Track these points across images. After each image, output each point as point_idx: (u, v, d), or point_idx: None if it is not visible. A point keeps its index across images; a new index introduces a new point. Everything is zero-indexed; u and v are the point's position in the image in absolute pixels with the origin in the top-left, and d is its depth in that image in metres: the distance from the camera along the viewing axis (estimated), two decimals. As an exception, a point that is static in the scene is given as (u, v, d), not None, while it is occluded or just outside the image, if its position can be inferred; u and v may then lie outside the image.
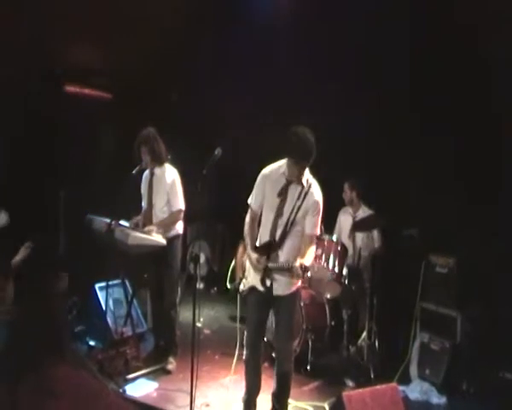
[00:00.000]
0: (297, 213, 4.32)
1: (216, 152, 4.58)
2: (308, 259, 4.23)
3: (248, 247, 4.54)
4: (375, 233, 6.37)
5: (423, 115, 6.28)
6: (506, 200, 5.74)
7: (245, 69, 7.34)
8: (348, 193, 6.65)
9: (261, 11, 6.90)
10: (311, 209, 4.34)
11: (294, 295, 4.53)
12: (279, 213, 4.38)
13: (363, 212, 6.60)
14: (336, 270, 5.87)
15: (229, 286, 4.80)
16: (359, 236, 6.41)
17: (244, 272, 4.65)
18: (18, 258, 4.98)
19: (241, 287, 4.61)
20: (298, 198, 4.33)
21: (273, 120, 7.15)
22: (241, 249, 4.86)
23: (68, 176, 7.23)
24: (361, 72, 6.67)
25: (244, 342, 4.74)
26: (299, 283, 4.54)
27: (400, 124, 6.43)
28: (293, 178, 4.34)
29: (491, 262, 5.76)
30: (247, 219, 4.61)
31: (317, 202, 4.36)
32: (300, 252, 4.30)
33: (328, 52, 6.84)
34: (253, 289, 4.47)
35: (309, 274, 4.14)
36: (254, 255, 4.42)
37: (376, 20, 6.21)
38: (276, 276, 4.36)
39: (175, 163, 5.79)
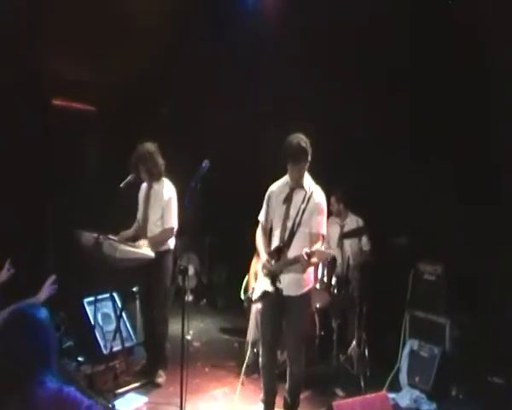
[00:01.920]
0: (302, 215, 4.57)
1: (203, 164, 4.60)
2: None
3: (261, 252, 4.73)
4: (364, 239, 6.39)
5: (413, 124, 6.34)
6: (495, 208, 5.78)
7: (234, 82, 7.37)
8: (335, 206, 6.69)
9: (249, 16, 6.96)
10: (316, 210, 4.59)
11: (306, 297, 4.69)
12: (286, 217, 4.65)
13: (351, 220, 6.63)
14: (325, 280, 5.90)
15: (242, 297, 4.89)
16: (347, 245, 6.44)
17: (257, 280, 4.80)
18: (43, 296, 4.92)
19: (254, 296, 4.73)
20: (302, 202, 4.60)
21: (262, 131, 7.19)
22: (254, 260, 5.03)
23: (55, 190, 7.20)
24: (353, 82, 6.71)
25: (261, 348, 4.86)
26: (311, 285, 4.71)
27: (390, 132, 6.47)
28: (295, 182, 4.64)
29: (479, 269, 5.79)
30: (258, 231, 4.87)
31: (320, 203, 4.64)
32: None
33: (319, 56, 6.90)
34: (265, 294, 4.62)
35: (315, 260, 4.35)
36: (265, 256, 4.64)
37: (375, 22, 6.28)
38: (286, 275, 4.52)
39: (167, 175, 5.79)
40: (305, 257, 4.25)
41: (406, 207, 6.39)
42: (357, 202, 6.72)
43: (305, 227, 4.57)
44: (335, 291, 5.96)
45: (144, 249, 5.35)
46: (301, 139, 4.54)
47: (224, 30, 7.19)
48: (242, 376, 5.35)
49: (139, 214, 5.86)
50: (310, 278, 4.71)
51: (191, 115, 8.00)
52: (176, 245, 5.96)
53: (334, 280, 5.96)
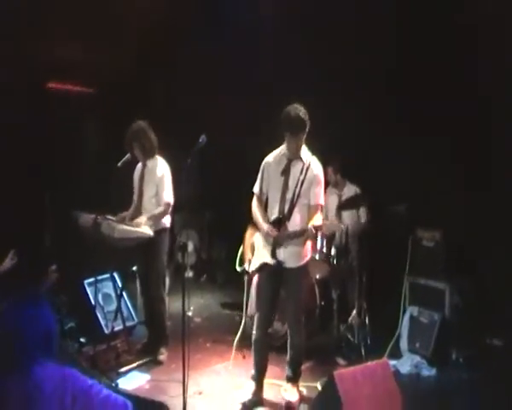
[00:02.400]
0: (301, 186, 4.58)
1: (200, 140, 4.56)
2: (317, 221, 4.43)
3: (259, 221, 4.72)
4: (362, 210, 6.39)
5: (411, 95, 6.31)
6: (495, 172, 5.78)
7: (234, 54, 7.31)
8: (333, 176, 6.67)
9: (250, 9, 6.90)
10: (314, 181, 4.60)
11: (305, 269, 4.74)
12: (285, 189, 4.64)
13: (349, 189, 6.61)
14: (324, 250, 5.90)
15: (238, 269, 4.89)
16: (346, 214, 6.43)
17: (253, 252, 4.77)
18: (2, 269, 4.92)
19: (251, 268, 4.72)
20: (300, 173, 4.60)
21: (260, 105, 7.14)
22: (249, 232, 4.93)
23: (53, 172, 7.18)
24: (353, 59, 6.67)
25: (255, 322, 4.84)
26: (308, 256, 4.73)
27: (387, 102, 6.45)
28: (293, 153, 4.62)
29: (477, 234, 5.82)
30: (254, 202, 4.84)
31: (317, 175, 4.64)
32: (307, 222, 4.51)
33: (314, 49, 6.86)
34: (264, 265, 4.62)
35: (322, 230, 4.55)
36: (266, 225, 4.62)
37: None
38: (286, 247, 4.54)
39: (160, 152, 5.77)
40: (313, 231, 4.31)
41: (404, 175, 6.38)
42: (354, 172, 6.71)
43: (305, 198, 4.58)
44: (335, 261, 5.97)
45: (143, 228, 5.34)
46: (300, 110, 4.50)
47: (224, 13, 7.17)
48: (234, 350, 5.43)
49: (134, 194, 5.84)
50: (308, 249, 4.72)
51: (189, 94, 7.93)
52: (174, 222, 5.97)
53: (333, 250, 5.96)
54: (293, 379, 4.86)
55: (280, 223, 4.59)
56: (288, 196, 4.60)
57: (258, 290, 4.88)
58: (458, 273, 5.79)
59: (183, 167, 4.49)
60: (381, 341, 5.80)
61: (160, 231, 5.58)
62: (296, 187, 4.58)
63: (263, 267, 4.64)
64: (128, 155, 5.61)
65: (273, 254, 4.56)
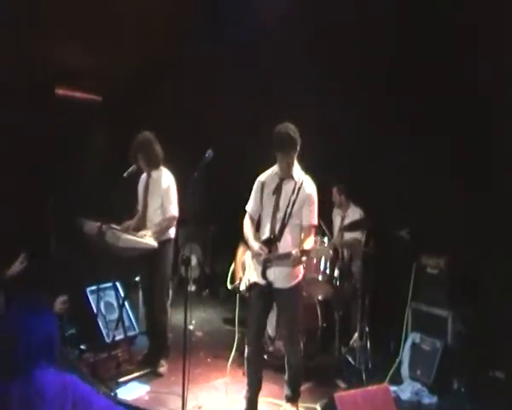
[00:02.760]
0: (293, 206, 4.51)
1: (207, 154, 4.58)
2: (308, 244, 4.39)
3: (250, 240, 4.65)
4: (363, 233, 6.38)
5: (413, 115, 6.32)
6: (496, 200, 5.77)
7: (239, 70, 7.36)
8: (338, 197, 6.70)
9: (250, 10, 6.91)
10: (306, 201, 4.53)
11: (296, 289, 4.63)
12: (276, 209, 4.58)
13: (353, 212, 6.62)
14: (327, 271, 5.89)
15: (229, 287, 4.85)
16: (348, 236, 6.43)
17: (244, 271, 4.75)
18: (12, 272, 4.91)
19: (242, 287, 4.68)
20: (292, 193, 4.53)
21: (265, 120, 7.18)
22: (241, 250, 4.93)
23: (58, 180, 7.20)
24: (351, 73, 6.70)
25: (246, 339, 4.80)
26: (301, 276, 4.65)
27: (390, 124, 6.46)
28: (285, 172, 4.57)
29: (482, 263, 5.80)
30: (246, 220, 4.78)
31: (310, 194, 4.56)
32: (299, 243, 4.46)
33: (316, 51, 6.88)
34: (254, 285, 4.59)
35: (310, 255, 4.45)
36: (256, 245, 4.55)
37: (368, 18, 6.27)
38: (277, 268, 4.47)
39: (167, 165, 5.79)
40: (299, 254, 4.27)
41: (409, 201, 6.39)
42: (359, 195, 6.71)
43: (296, 219, 4.53)
44: (338, 283, 5.95)
45: (147, 239, 5.35)
46: (290, 128, 4.48)
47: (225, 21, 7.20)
48: (229, 366, 5.39)
49: (139, 205, 5.85)
50: (300, 270, 4.64)
51: (195, 106, 7.97)
52: (178, 235, 5.97)
53: (336, 272, 5.95)
54: (292, 399, 4.82)
55: (271, 243, 4.53)
56: (279, 215, 4.55)
57: (249, 308, 4.78)
58: (462, 301, 5.76)
59: (189, 181, 4.51)
60: (382, 366, 5.78)
61: (164, 242, 5.59)
62: (288, 207, 4.52)
63: (253, 286, 4.61)
64: (134, 166, 5.64)
65: (263, 275, 4.51)
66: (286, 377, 4.83)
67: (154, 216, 5.67)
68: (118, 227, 5.57)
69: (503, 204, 5.68)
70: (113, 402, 2.45)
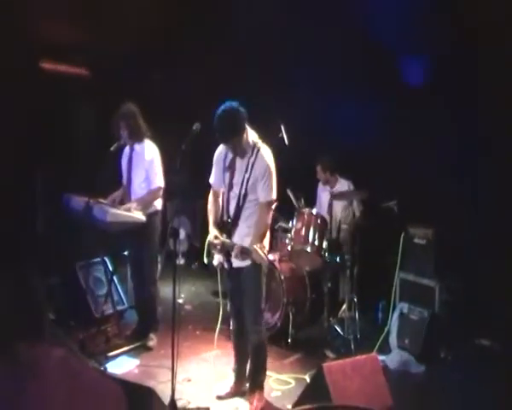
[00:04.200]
0: (247, 185, 4.33)
1: (194, 127, 4.53)
2: (260, 234, 4.25)
3: (210, 225, 4.59)
4: (355, 203, 6.41)
5: (403, 86, 6.32)
6: (485, 170, 5.80)
7: (227, 44, 7.29)
8: (322, 175, 6.71)
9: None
10: (261, 176, 4.29)
11: (256, 267, 4.33)
12: (230, 187, 4.45)
13: (341, 185, 6.66)
14: (316, 243, 5.91)
15: (206, 261, 4.78)
16: (338, 209, 6.45)
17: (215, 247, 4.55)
18: None
19: (215, 262, 4.54)
20: (245, 170, 4.34)
21: (252, 91, 7.14)
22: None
23: (45, 155, 7.14)
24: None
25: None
26: (264, 248, 4.35)
27: (378, 96, 6.44)
28: (236, 152, 4.38)
29: (469, 233, 5.83)
30: (210, 196, 4.70)
31: (265, 167, 4.30)
32: (257, 221, 4.29)
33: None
34: (221, 266, 4.48)
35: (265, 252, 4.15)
36: (212, 234, 4.47)
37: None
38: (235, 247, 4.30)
39: (155, 139, 5.74)
40: (240, 252, 4.11)
41: (397, 172, 6.40)
42: (346, 168, 6.72)
43: (252, 196, 4.34)
44: (326, 255, 5.97)
45: (135, 213, 5.33)
46: (228, 114, 4.24)
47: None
48: (216, 338, 5.32)
49: (124, 179, 5.81)
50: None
51: (183, 79, 7.89)
52: (166, 208, 5.95)
53: (325, 244, 5.96)
54: (252, 390, 4.59)
55: (227, 224, 4.45)
56: (233, 194, 4.42)
57: (227, 284, 4.69)
58: (449, 272, 5.80)
59: (177, 154, 4.46)
60: (370, 336, 5.84)
61: (151, 215, 5.57)
62: (242, 186, 4.35)
63: (221, 267, 4.50)
64: (121, 140, 5.57)
65: (226, 259, 4.37)
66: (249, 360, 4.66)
67: (139, 189, 5.63)
68: (105, 202, 5.54)
69: (491, 174, 5.72)
70: (105, 374, 2.44)
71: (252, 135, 4.41)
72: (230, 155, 4.46)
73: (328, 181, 6.73)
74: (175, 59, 7.83)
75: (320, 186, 6.97)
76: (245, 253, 4.10)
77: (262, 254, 4.03)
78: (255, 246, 4.05)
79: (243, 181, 4.34)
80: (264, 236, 4.34)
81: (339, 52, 6.65)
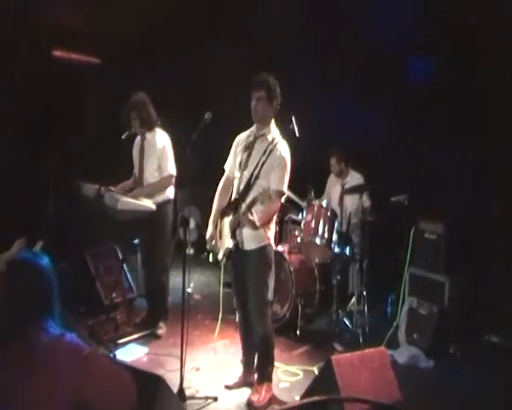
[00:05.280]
0: (261, 167, 4.32)
1: (206, 116, 4.53)
2: (263, 216, 4.24)
3: (213, 209, 4.60)
4: (364, 196, 6.38)
5: (413, 82, 6.29)
6: (495, 165, 5.76)
7: (237, 33, 7.26)
8: (337, 166, 6.69)
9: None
10: (277, 164, 4.30)
11: (263, 253, 4.38)
12: (244, 167, 4.43)
13: (352, 178, 6.64)
14: (326, 235, 5.89)
15: (211, 260, 4.70)
16: (349, 202, 6.43)
17: (221, 239, 4.53)
18: (10, 253, 4.88)
19: (220, 255, 4.50)
20: (263, 153, 4.34)
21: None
22: (218, 221, 4.66)
23: (57, 143, 7.15)
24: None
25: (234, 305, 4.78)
26: (267, 241, 4.42)
27: (388, 91, 6.42)
28: (254, 117, 4.41)
29: (479, 228, 5.81)
30: (221, 182, 4.70)
31: (282, 158, 4.33)
32: (262, 208, 4.23)
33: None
34: (228, 252, 4.40)
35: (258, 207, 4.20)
36: (208, 231, 4.54)
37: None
38: (243, 229, 4.32)
39: (166, 128, 5.74)
40: (244, 209, 4.18)
41: (407, 167, 6.38)
42: (358, 161, 6.70)
43: (263, 180, 4.30)
44: (336, 247, 5.96)
45: (145, 201, 5.34)
46: (268, 75, 4.40)
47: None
48: (218, 327, 5.23)
49: (135, 168, 5.80)
50: (267, 234, 4.41)
51: (194, 68, 7.88)
52: (177, 197, 5.95)
53: (334, 236, 5.95)
54: (260, 381, 4.56)
55: (236, 203, 4.40)
56: (246, 174, 4.39)
57: (231, 277, 4.70)
58: (458, 267, 5.78)
59: (188, 144, 4.46)
60: (379, 330, 5.81)
61: (164, 203, 5.58)
62: (256, 167, 4.33)
63: (228, 254, 4.42)
64: (131, 128, 5.58)
65: (233, 235, 4.32)
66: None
67: (151, 178, 5.63)
68: (116, 189, 5.55)
69: (502, 169, 5.68)
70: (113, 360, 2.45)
71: (275, 129, 4.48)
72: (249, 139, 4.49)
73: (341, 173, 6.71)
74: (186, 47, 7.81)
75: (330, 179, 6.95)
76: (253, 203, 4.17)
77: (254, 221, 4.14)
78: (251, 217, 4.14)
79: (258, 163, 4.34)
80: (266, 223, 4.33)
81: (349, 50, 6.63)
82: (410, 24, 6.13)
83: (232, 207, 4.43)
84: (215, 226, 4.55)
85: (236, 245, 4.34)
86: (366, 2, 6.39)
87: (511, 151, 5.59)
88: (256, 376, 4.63)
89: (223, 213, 4.53)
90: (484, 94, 5.77)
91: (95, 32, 7.46)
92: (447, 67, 6.05)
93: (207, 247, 4.65)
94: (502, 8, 5.41)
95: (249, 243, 4.36)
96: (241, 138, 4.60)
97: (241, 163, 4.47)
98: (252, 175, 4.34)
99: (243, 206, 4.24)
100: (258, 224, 4.20)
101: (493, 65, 5.63)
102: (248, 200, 4.28)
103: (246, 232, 4.33)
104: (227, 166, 4.69)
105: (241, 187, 4.40)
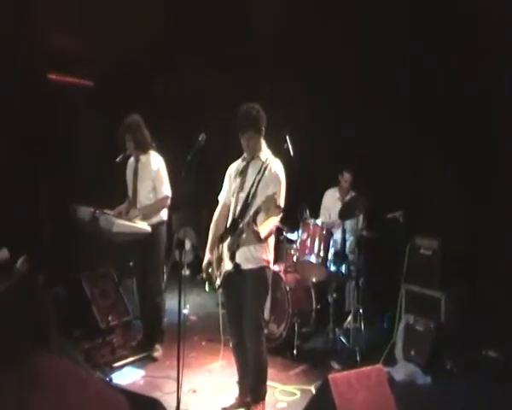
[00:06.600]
0: (257, 186, 4.35)
1: (200, 138, 4.56)
2: (265, 229, 4.21)
3: (208, 240, 4.63)
4: (360, 215, 6.41)
5: (411, 99, 6.34)
6: (489, 181, 5.79)
7: (230, 52, 7.33)
8: (350, 183, 6.71)
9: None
10: (271, 181, 4.34)
11: (261, 273, 4.39)
12: (240, 189, 4.45)
13: (350, 195, 6.67)
14: (321, 254, 5.90)
15: (207, 289, 4.69)
16: (348, 220, 6.45)
17: (219, 266, 4.52)
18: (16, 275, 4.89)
19: (217, 282, 4.50)
20: (258, 173, 4.39)
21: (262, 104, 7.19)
22: (210, 250, 4.68)
23: (51, 165, 7.16)
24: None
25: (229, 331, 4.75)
26: (266, 262, 4.42)
27: (385, 108, 6.47)
28: (250, 154, 4.45)
29: (474, 244, 5.83)
30: (216, 212, 4.71)
31: (276, 174, 4.37)
32: (266, 217, 4.21)
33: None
34: (227, 277, 4.41)
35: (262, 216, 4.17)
36: (206, 258, 4.57)
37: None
38: (241, 249, 4.31)
39: (160, 150, 5.76)
40: (249, 220, 4.13)
41: (403, 183, 6.40)
42: (355, 179, 6.75)
43: (260, 199, 4.26)
44: (332, 266, 5.97)
45: (140, 224, 5.35)
46: (252, 108, 4.36)
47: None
48: (222, 350, 5.32)
49: (129, 191, 5.79)
50: (265, 253, 4.42)
51: (188, 91, 7.93)
52: (172, 219, 5.96)
53: (330, 255, 5.96)
54: (255, 400, 4.54)
55: (234, 225, 4.38)
56: (242, 195, 4.41)
57: (225, 301, 4.68)
58: (455, 282, 5.79)
59: (183, 165, 4.47)
60: (376, 347, 5.81)
61: (157, 225, 5.58)
62: (252, 186, 4.37)
63: (226, 278, 4.41)
64: (126, 151, 5.60)
65: (232, 258, 4.32)
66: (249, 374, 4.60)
67: (146, 200, 5.62)
68: (111, 212, 5.55)
69: (498, 186, 5.71)
70: (109, 385, 2.44)
71: (267, 150, 4.52)
72: (242, 165, 4.53)
73: (348, 190, 6.75)
74: (180, 70, 7.86)
75: (328, 195, 6.97)
76: (257, 213, 4.13)
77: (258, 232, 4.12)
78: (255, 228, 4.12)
79: (254, 182, 4.38)
80: (268, 236, 4.33)
81: (344, 61, 6.69)
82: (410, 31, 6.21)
83: (231, 229, 4.42)
84: (212, 253, 4.56)
85: (235, 266, 4.33)
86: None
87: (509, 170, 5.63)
88: (250, 396, 4.60)
89: (221, 239, 4.53)
90: (476, 107, 5.81)
91: (88, 56, 7.51)
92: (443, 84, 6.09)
93: (204, 275, 4.64)
94: (502, 8, 5.46)
95: (248, 263, 4.36)
96: (234, 167, 4.65)
97: (236, 187, 4.49)
98: (248, 194, 4.37)
99: (245, 219, 4.21)
100: (262, 235, 4.19)
101: (493, 65, 5.66)
102: (251, 212, 4.24)
103: (245, 252, 4.34)
104: (222, 197, 4.71)
105: (238, 208, 4.41)
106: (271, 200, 4.05)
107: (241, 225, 4.29)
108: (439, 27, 5.98)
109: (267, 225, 4.25)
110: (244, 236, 4.23)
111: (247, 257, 4.36)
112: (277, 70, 7.17)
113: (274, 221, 4.31)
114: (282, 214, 4.40)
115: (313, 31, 6.80)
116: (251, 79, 7.20)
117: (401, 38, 6.27)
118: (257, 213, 4.14)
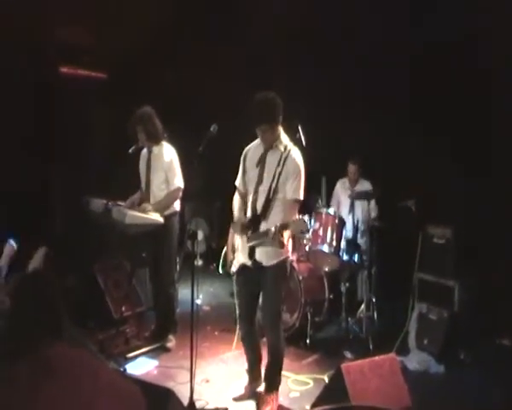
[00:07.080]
0: (278, 179, 4.21)
1: (212, 129, 4.55)
2: (288, 219, 4.09)
3: (235, 220, 4.49)
4: (372, 203, 6.39)
5: (421, 87, 6.30)
6: (500, 169, 5.75)
7: (243, 42, 7.31)
8: (356, 173, 6.71)
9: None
10: (292, 172, 4.20)
11: (281, 267, 4.34)
12: (259, 181, 4.30)
13: (362, 185, 6.67)
14: (334, 243, 5.90)
15: (220, 271, 4.66)
16: (358, 209, 6.43)
17: (234, 252, 4.51)
18: (33, 265, 4.92)
19: (233, 269, 4.49)
20: (278, 164, 4.22)
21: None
22: (231, 232, 4.63)
23: (64, 158, 7.20)
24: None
25: (238, 322, 4.77)
26: (286, 255, 4.36)
27: (397, 96, 6.43)
28: (267, 144, 4.28)
29: (488, 232, 5.79)
30: (235, 197, 4.59)
31: (297, 166, 4.22)
32: (284, 219, 4.10)
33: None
34: (243, 267, 4.37)
35: (287, 233, 4.07)
36: (237, 228, 4.38)
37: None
38: (260, 246, 4.24)
39: (172, 141, 5.77)
40: (274, 230, 3.98)
41: (415, 172, 6.37)
42: (366, 167, 6.72)
43: (282, 194, 4.21)
44: (344, 255, 5.96)
45: (153, 215, 5.36)
46: (265, 98, 4.17)
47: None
48: (235, 340, 5.35)
49: (142, 182, 5.80)
50: (286, 248, 4.31)
51: (200, 81, 7.92)
52: (184, 209, 5.97)
53: (343, 244, 5.95)
54: (270, 390, 4.55)
55: (254, 220, 4.28)
56: (262, 189, 4.27)
57: (237, 291, 4.63)
58: (468, 271, 5.76)
59: (194, 156, 4.48)
60: (388, 336, 5.79)
61: (170, 216, 5.58)
62: (273, 180, 4.21)
63: (241, 269, 4.39)
64: (138, 142, 5.61)
65: (250, 255, 4.26)
66: (266, 360, 4.59)
67: (159, 191, 5.62)
68: (124, 204, 5.57)
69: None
70: (122, 375, 2.45)
71: (285, 137, 4.36)
72: (259, 152, 4.36)
73: (356, 180, 6.73)
74: (191, 59, 7.86)
75: (339, 186, 6.96)
76: (283, 228, 4.00)
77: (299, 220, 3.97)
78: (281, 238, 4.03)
79: (275, 175, 4.22)
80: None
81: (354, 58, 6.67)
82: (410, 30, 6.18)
83: (250, 225, 4.30)
84: (233, 239, 4.50)
85: (255, 262, 4.28)
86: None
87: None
88: (265, 385, 4.61)
89: (242, 228, 4.41)
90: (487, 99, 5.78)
91: (101, 48, 7.52)
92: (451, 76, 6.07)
93: (221, 265, 4.61)
94: (501, 8, 5.43)
95: (270, 260, 4.28)
96: (250, 151, 4.48)
97: (254, 179, 4.35)
98: (270, 189, 4.23)
99: (272, 229, 4.02)
100: (285, 242, 4.15)
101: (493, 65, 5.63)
102: (276, 221, 4.10)
103: (267, 252, 4.26)
104: (238, 182, 4.56)
105: (259, 203, 4.29)
106: (302, 224, 3.96)
107: (263, 227, 4.22)
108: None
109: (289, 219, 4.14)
110: (266, 239, 4.14)
111: (270, 255, 4.27)
112: (287, 59, 7.14)
113: (295, 216, 4.18)
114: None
115: (313, 30, 6.77)
116: (263, 70, 7.18)
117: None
118: (284, 228, 4.02)
